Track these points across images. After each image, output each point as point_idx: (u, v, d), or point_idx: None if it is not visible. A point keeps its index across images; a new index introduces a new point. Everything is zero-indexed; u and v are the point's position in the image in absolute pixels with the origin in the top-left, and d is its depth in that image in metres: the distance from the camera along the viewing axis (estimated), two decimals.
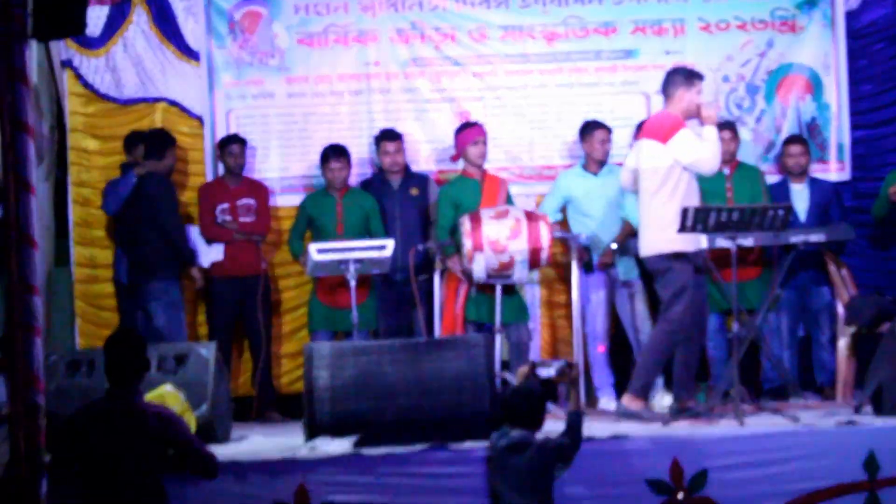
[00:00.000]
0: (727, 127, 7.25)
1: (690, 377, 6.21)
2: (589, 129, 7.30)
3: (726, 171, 7.31)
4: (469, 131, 7.24)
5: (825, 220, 7.27)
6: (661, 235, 6.08)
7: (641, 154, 6.22)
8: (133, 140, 7.51)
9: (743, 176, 7.33)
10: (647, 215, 6.18)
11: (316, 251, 6.65)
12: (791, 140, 7.52)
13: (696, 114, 6.19)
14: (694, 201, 6.10)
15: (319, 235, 7.29)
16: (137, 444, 4.58)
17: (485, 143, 7.23)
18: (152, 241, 7.20)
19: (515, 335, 7.01)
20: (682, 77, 6.24)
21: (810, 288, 7.38)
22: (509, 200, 7.27)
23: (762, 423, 5.69)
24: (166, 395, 5.46)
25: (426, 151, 7.87)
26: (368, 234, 7.27)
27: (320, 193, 7.51)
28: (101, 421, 4.60)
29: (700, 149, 6.05)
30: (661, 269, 6.15)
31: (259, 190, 7.62)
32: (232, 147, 7.52)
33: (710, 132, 6.12)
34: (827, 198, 7.43)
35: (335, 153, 7.39)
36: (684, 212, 5.98)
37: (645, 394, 6.20)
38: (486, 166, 7.36)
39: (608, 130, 7.27)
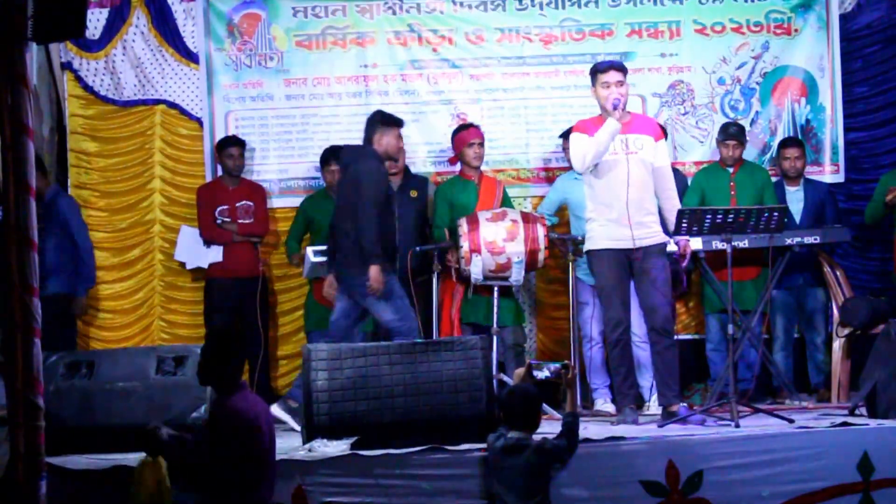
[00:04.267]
0: (733, 134, 7.31)
1: (613, 377, 6.27)
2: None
3: (730, 169, 7.35)
4: (466, 133, 7.26)
5: (820, 222, 7.31)
6: (586, 236, 6.22)
7: None
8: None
9: (747, 175, 7.36)
10: None
11: (313, 253, 6.67)
12: (788, 143, 7.54)
13: (607, 106, 6.11)
14: (608, 195, 6.06)
15: (318, 237, 7.31)
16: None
17: (482, 144, 7.25)
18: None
19: (511, 337, 7.03)
20: (590, 75, 6.21)
21: (805, 289, 7.41)
22: (507, 201, 7.30)
23: (757, 425, 5.70)
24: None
25: (423, 153, 7.90)
26: None
27: (319, 195, 7.53)
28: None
29: (574, 148, 6.12)
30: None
31: (257, 192, 7.65)
32: (231, 149, 7.55)
33: (606, 125, 6.03)
34: (822, 199, 7.46)
35: (335, 155, 7.41)
36: (680, 214, 6.00)
37: (622, 400, 6.24)
38: (483, 168, 7.39)
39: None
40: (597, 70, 6.16)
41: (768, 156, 7.82)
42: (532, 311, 7.88)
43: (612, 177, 6.06)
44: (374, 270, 6.22)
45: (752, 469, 5.29)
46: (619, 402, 6.25)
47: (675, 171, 7.31)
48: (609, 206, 6.05)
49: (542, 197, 7.59)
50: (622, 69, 6.15)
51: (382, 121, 6.52)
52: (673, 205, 6.12)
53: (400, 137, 6.63)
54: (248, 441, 4.53)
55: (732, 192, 7.31)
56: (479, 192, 7.22)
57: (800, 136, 7.75)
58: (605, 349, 7.13)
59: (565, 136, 7.29)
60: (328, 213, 7.34)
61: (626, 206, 6.02)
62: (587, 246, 6.20)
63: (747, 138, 7.59)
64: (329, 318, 7.21)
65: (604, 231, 6.08)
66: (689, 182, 7.51)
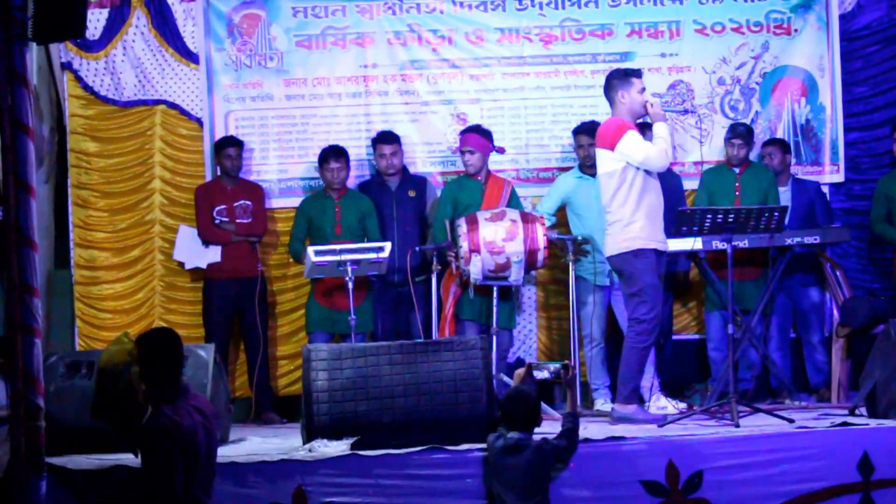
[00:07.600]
0: (740, 133, 7.32)
1: (636, 376, 6.24)
2: (575, 133, 7.35)
3: (736, 169, 7.36)
4: (461, 139, 7.26)
5: (810, 222, 7.30)
6: (622, 235, 6.16)
7: (599, 163, 6.31)
8: None
9: (752, 175, 7.37)
10: (610, 217, 6.26)
11: (314, 253, 6.68)
12: (766, 142, 7.57)
13: (643, 112, 6.22)
14: (652, 198, 6.15)
15: (317, 236, 7.31)
16: None
17: (472, 152, 7.16)
18: None
19: (497, 339, 6.99)
20: (618, 78, 6.27)
21: (798, 289, 7.41)
22: (515, 201, 7.25)
23: (757, 425, 5.71)
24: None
25: (423, 153, 7.90)
26: (364, 234, 7.31)
27: (318, 195, 7.53)
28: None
29: (648, 148, 6.11)
30: (623, 269, 6.23)
31: (256, 191, 7.65)
32: (228, 149, 7.54)
33: (660, 129, 6.17)
34: (810, 198, 7.46)
35: (334, 153, 7.41)
36: (680, 214, 6.02)
37: (635, 397, 6.23)
38: (491, 167, 7.37)
39: (590, 136, 7.26)
40: (632, 74, 6.26)
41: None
42: (531, 310, 7.88)
43: (654, 181, 6.21)
44: None
45: (752, 469, 5.30)
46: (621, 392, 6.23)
47: (671, 171, 7.33)
48: (654, 210, 6.16)
49: (541, 197, 7.57)
50: None
51: None
52: None
53: None
54: (183, 450, 4.24)
55: (737, 193, 7.31)
56: (484, 193, 7.20)
57: (799, 136, 7.75)
58: (605, 349, 7.16)
59: (577, 132, 7.30)
60: (329, 212, 7.38)
61: (660, 212, 6.17)
62: (629, 245, 6.14)
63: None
64: (332, 318, 7.25)
65: (649, 233, 6.12)
66: (685, 182, 7.52)
